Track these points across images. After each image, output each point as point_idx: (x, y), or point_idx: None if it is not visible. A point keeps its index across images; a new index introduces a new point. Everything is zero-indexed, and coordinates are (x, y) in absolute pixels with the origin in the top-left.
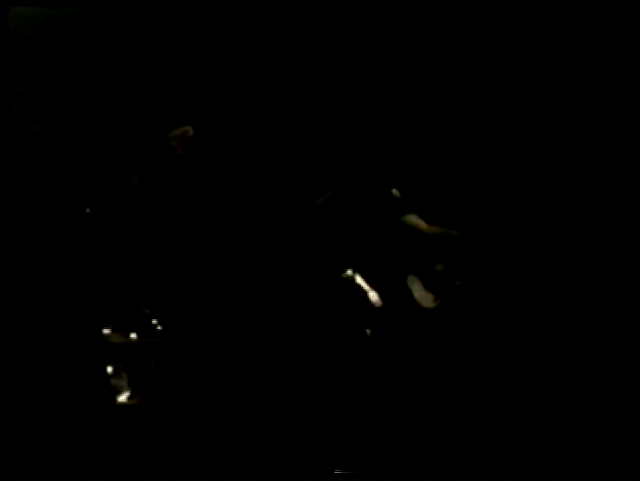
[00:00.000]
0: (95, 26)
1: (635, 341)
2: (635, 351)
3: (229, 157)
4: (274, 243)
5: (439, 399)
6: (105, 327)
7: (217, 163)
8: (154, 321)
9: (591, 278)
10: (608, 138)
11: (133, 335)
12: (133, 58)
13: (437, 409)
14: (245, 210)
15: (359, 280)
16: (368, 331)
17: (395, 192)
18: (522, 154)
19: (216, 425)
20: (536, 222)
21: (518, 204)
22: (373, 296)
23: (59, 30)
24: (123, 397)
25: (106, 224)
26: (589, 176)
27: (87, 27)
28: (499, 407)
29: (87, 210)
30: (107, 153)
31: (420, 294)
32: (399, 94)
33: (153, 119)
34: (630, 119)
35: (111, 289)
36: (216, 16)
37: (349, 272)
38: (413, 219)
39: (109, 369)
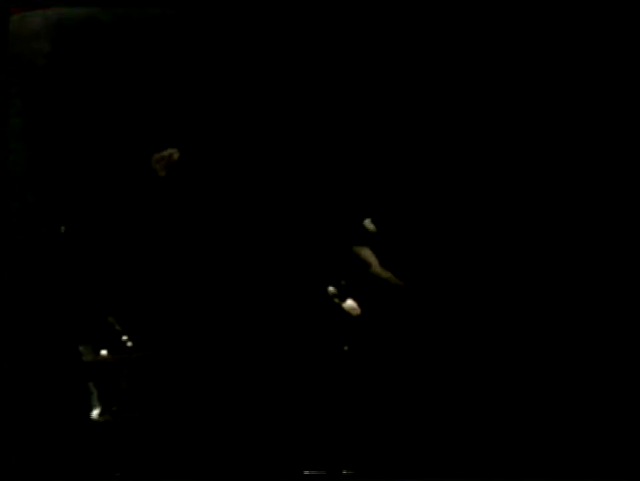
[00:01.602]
0: (98, 29)
1: (635, 341)
2: (635, 351)
3: (212, 177)
4: (250, 260)
5: (438, 399)
6: (78, 344)
7: (200, 183)
8: (125, 338)
9: (590, 280)
10: (608, 141)
11: (104, 352)
12: (133, 61)
13: (437, 410)
14: (221, 229)
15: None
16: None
17: (368, 223)
18: (518, 164)
19: (188, 441)
20: (532, 228)
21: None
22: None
23: (60, 31)
24: (94, 414)
25: (80, 242)
26: (588, 179)
27: (89, 29)
28: (499, 407)
29: (62, 229)
30: (90, 162)
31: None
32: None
33: (146, 129)
34: (630, 119)
35: (83, 306)
36: (210, 32)
37: (331, 288)
38: (366, 252)
39: (81, 386)
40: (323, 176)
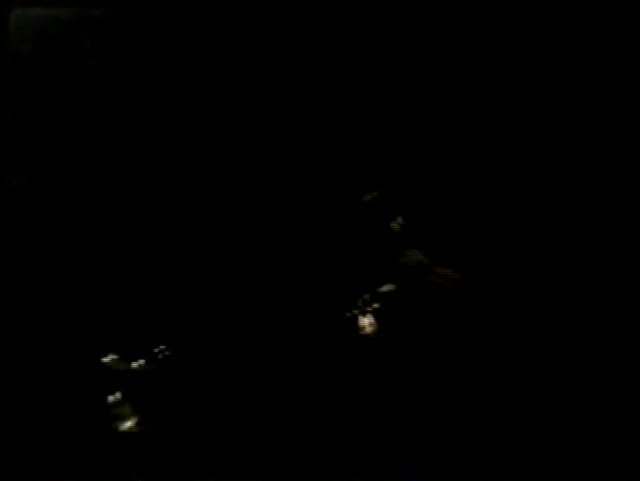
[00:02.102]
0: (96, 26)
1: (635, 341)
2: (635, 351)
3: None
4: (278, 269)
5: (439, 401)
6: (108, 354)
7: (223, 190)
8: (157, 349)
9: (592, 283)
10: (609, 144)
11: (135, 363)
12: (133, 59)
13: (438, 411)
14: (250, 239)
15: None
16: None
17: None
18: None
19: (220, 451)
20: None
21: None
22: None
23: (60, 30)
24: (126, 425)
25: (111, 251)
26: (589, 183)
27: (89, 27)
28: (499, 408)
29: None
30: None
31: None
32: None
33: (151, 124)
34: (629, 120)
35: (116, 317)
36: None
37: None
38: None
39: (112, 398)
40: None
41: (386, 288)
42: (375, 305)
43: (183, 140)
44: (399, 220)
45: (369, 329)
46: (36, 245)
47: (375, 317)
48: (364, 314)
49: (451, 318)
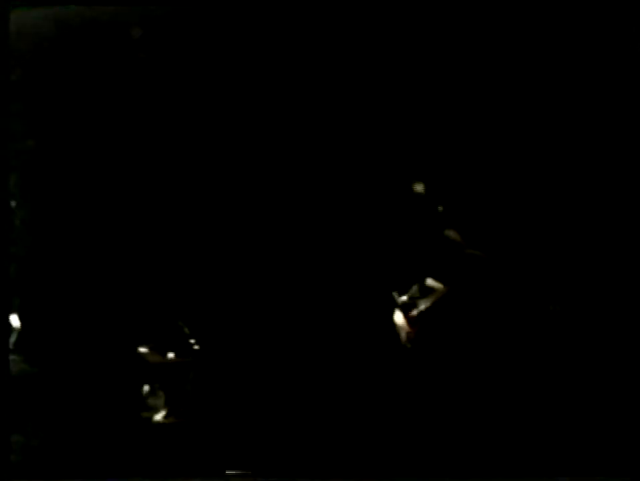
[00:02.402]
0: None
1: (635, 341)
2: (635, 351)
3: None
4: (313, 268)
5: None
6: (143, 345)
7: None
8: (192, 341)
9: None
10: (610, 150)
11: (170, 355)
12: (135, 58)
13: (439, 412)
14: (285, 238)
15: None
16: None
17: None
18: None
19: (251, 445)
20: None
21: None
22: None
23: (61, 29)
24: (159, 416)
25: (148, 246)
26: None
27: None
28: (500, 407)
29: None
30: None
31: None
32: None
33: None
34: (629, 121)
35: (151, 308)
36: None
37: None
38: (453, 234)
39: (146, 388)
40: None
41: (430, 282)
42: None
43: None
44: (440, 208)
45: (406, 329)
46: (70, 237)
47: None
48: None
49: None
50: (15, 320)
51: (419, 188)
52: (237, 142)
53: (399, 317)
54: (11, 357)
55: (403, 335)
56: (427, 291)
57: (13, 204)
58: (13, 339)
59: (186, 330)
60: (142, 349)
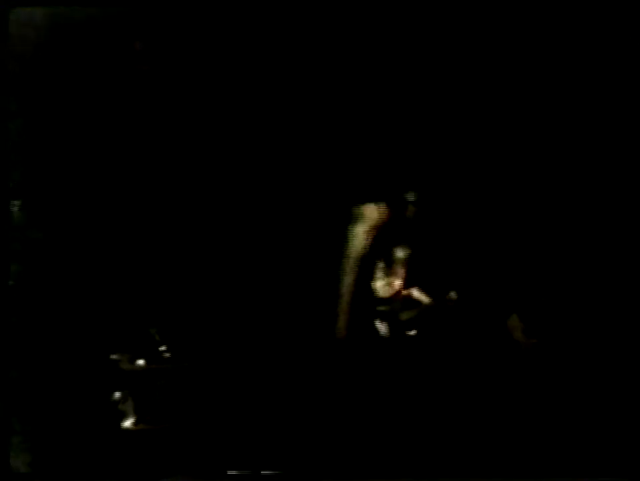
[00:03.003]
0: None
1: (635, 341)
2: (635, 351)
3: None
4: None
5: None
6: (115, 353)
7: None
8: (163, 348)
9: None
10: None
11: (141, 362)
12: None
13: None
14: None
15: None
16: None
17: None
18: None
19: (221, 452)
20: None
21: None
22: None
23: (61, 29)
24: (128, 423)
25: (120, 252)
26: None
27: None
28: (500, 408)
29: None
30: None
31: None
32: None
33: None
34: (629, 121)
35: (123, 316)
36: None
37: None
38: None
39: (117, 395)
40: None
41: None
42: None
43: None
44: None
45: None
46: (43, 246)
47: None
48: None
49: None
50: None
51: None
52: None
53: (382, 326)
54: None
55: (388, 342)
56: (411, 302)
57: None
58: None
59: (157, 338)
60: (114, 356)
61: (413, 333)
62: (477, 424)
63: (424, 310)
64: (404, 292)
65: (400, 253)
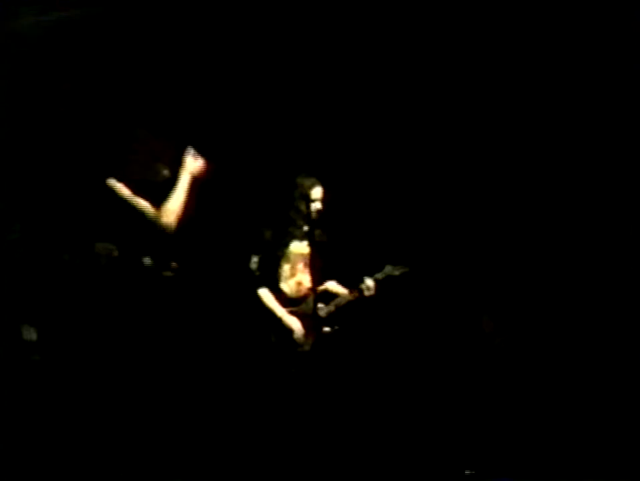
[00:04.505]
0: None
1: (635, 341)
2: (635, 351)
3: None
4: None
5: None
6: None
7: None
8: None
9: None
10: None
11: None
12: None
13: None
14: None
15: None
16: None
17: None
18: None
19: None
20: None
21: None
22: None
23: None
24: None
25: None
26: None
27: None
28: (501, 407)
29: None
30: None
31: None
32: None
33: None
34: (629, 122)
35: None
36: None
37: None
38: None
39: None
40: None
41: None
42: None
43: None
44: None
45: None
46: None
47: None
48: None
49: None
50: None
51: None
52: None
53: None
54: None
55: (301, 339)
56: (328, 297)
57: None
58: None
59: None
60: None
61: (335, 328)
62: (477, 422)
63: (344, 304)
64: (319, 288)
65: (298, 249)
